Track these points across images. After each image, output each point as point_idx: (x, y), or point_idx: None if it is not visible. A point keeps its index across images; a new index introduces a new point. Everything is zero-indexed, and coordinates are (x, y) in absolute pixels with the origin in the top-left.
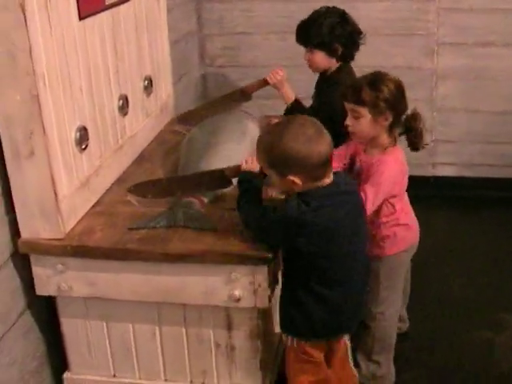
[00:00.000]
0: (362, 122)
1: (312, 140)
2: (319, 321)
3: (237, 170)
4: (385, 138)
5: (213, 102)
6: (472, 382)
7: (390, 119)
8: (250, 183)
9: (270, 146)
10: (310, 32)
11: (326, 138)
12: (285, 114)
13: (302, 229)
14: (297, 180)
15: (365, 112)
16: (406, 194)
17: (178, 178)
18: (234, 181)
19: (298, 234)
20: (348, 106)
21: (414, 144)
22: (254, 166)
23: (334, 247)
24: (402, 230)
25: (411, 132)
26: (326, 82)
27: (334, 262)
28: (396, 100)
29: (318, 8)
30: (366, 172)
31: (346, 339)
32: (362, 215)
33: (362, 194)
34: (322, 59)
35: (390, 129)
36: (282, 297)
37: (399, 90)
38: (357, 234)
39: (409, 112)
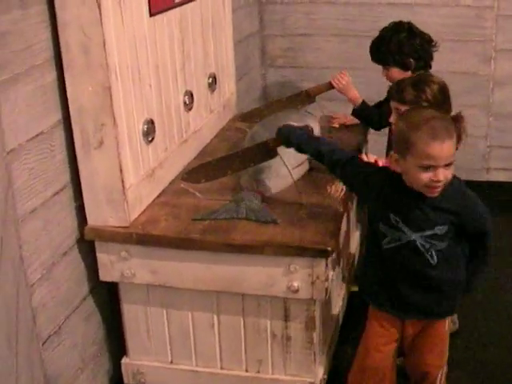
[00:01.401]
0: None
1: None
2: None
3: (278, 140)
4: None
5: (276, 101)
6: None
7: None
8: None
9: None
10: (380, 51)
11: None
12: (352, 113)
13: None
14: None
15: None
16: None
17: (225, 157)
18: (280, 151)
19: None
20: (392, 103)
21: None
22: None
23: None
24: None
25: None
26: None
27: None
28: (438, 101)
29: (387, 25)
30: None
31: None
32: None
33: None
34: (397, 74)
35: None
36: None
37: (442, 91)
38: None
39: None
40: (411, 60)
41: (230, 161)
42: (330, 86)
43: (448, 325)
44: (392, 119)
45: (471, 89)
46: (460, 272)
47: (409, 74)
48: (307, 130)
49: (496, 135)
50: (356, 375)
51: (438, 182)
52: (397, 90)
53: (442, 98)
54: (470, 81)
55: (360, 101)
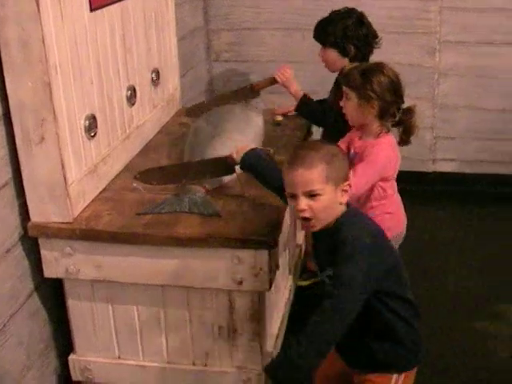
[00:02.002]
0: (350, 104)
1: None
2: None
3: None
4: (376, 127)
5: (221, 96)
6: (469, 371)
7: (377, 108)
8: None
9: (330, 154)
10: (325, 30)
11: None
12: (295, 110)
13: None
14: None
15: (352, 96)
16: (395, 183)
17: (183, 164)
18: (237, 168)
19: None
20: (343, 87)
21: (402, 138)
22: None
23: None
24: (388, 219)
25: (402, 125)
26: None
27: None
28: (385, 92)
29: (338, 8)
30: (360, 155)
31: None
32: None
33: (352, 171)
34: (334, 58)
35: (381, 118)
36: (363, 341)
37: (392, 83)
38: None
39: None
40: (351, 47)
41: (187, 170)
42: (274, 81)
43: None
44: (341, 102)
45: (416, 80)
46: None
47: (345, 60)
48: (271, 159)
49: (441, 126)
50: None
51: (301, 211)
52: (345, 74)
53: (391, 89)
54: (415, 72)
55: (301, 95)
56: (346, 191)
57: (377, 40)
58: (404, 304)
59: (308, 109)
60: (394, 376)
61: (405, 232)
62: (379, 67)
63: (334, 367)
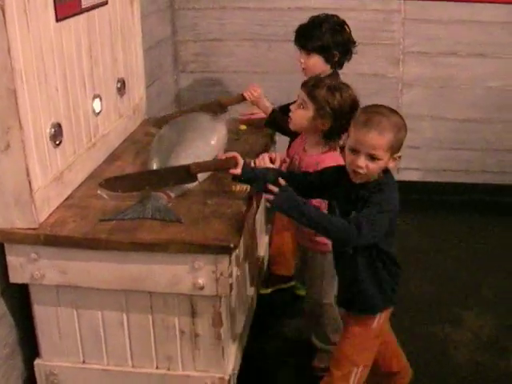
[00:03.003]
0: (304, 113)
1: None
2: (391, 287)
3: (201, 167)
4: (321, 142)
5: (190, 109)
6: (429, 376)
7: (327, 127)
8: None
9: (398, 128)
10: (311, 35)
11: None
12: (265, 125)
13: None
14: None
15: (310, 107)
16: None
17: (147, 172)
18: (199, 176)
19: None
20: (300, 93)
21: None
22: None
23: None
24: None
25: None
26: None
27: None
28: (342, 113)
29: (318, 14)
30: (305, 169)
31: None
32: None
33: None
34: (317, 64)
35: (329, 136)
36: (360, 281)
37: (351, 107)
38: None
39: None
40: (336, 53)
41: (150, 177)
42: (243, 98)
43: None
44: (292, 107)
45: (380, 91)
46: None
47: (327, 67)
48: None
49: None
50: None
51: (359, 167)
52: (313, 84)
53: (347, 113)
54: (379, 83)
55: (269, 110)
56: (395, 160)
57: (355, 46)
58: (391, 259)
59: (278, 122)
60: (377, 316)
61: None
62: (344, 87)
63: None
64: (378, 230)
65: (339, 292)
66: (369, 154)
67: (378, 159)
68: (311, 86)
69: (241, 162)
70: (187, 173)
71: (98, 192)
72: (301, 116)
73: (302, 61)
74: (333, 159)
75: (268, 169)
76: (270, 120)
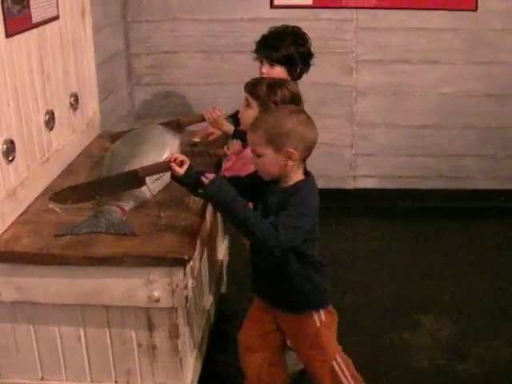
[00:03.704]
0: (250, 112)
1: (309, 123)
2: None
3: (148, 170)
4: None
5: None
6: (388, 379)
7: None
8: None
9: (272, 123)
10: (277, 46)
11: (315, 127)
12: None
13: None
14: (295, 153)
15: (254, 105)
16: None
17: (95, 181)
18: (147, 180)
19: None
20: (245, 94)
21: None
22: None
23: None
24: None
25: None
26: None
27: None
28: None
29: (279, 25)
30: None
31: None
32: None
33: None
34: (280, 75)
35: None
36: (290, 281)
37: (293, 99)
38: None
39: None
40: (299, 64)
41: (99, 186)
42: (202, 119)
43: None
44: (240, 107)
45: (335, 99)
46: (311, 276)
47: (288, 79)
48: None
49: (361, 143)
50: None
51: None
52: (253, 84)
53: (290, 104)
54: (333, 91)
55: (232, 129)
56: (288, 154)
57: (314, 58)
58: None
59: (242, 139)
60: (315, 313)
61: None
62: (284, 83)
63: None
64: (295, 233)
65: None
66: (253, 151)
67: (261, 155)
68: (252, 85)
69: (187, 163)
70: (135, 177)
71: (50, 205)
72: (248, 115)
73: (265, 71)
74: None
75: None
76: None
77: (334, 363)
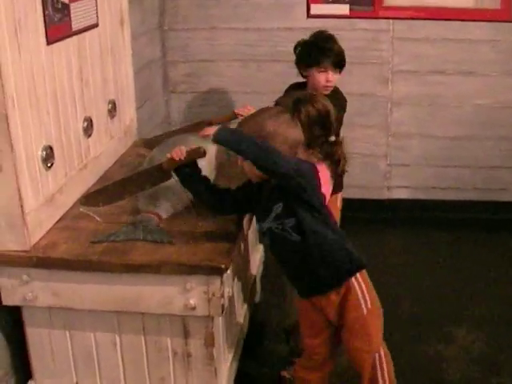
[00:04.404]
0: None
1: (291, 123)
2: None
3: (172, 162)
4: (301, 154)
5: (179, 129)
6: None
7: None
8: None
9: (255, 127)
10: (342, 52)
11: (300, 127)
12: None
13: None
14: None
15: None
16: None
17: (122, 180)
18: (173, 175)
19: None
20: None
21: (332, 170)
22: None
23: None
24: None
25: (330, 158)
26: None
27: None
28: (311, 124)
29: (321, 30)
30: None
31: None
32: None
33: None
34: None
35: (307, 148)
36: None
37: (320, 116)
38: None
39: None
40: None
41: (126, 185)
42: (234, 115)
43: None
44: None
45: (370, 109)
46: (328, 237)
47: None
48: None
49: (395, 154)
50: None
51: None
52: (283, 100)
53: (318, 122)
54: (368, 102)
55: None
56: None
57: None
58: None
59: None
60: (351, 280)
61: None
62: (312, 99)
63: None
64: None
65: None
66: None
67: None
68: (282, 101)
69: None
70: (161, 171)
71: (81, 209)
72: None
73: (333, 78)
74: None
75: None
76: None
77: (376, 356)
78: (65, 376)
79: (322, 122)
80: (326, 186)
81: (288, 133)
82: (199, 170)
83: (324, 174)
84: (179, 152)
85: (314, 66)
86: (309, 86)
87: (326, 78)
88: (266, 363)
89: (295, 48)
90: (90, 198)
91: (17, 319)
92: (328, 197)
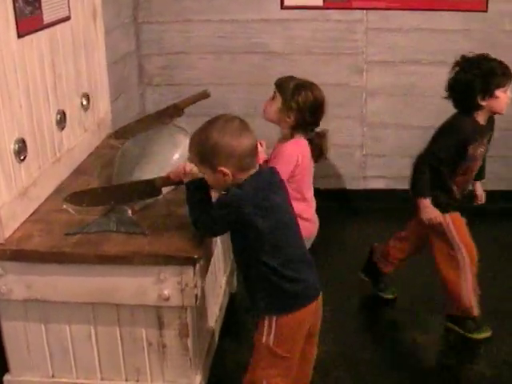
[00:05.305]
0: (273, 104)
1: (237, 133)
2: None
3: (165, 180)
4: (287, 134)
5: (146, 117)
6: (397, 380)
7: (293, 120)
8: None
9: (200, 142)
10: None
11: (250, 131)
12: None
13: (244, 208)
14: (226, 170)
15: (279, 100)
16: (312, 188)
17: (112, 187)
18: (163, 190)
19: (242, 214)
20: (275, 88)
21: (314, 157)
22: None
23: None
24: (302, 222)
25: (314, 146)
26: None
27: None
28: (305, 109)
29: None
30: (273, 155)
31: None
32: (286, 193)
33: None
34: None
35: (295, 129)
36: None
37: (315, 104)
38: (287, 208)
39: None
40: None
41: (116, 192)
42: (200, 97)
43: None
44: (268, 100)
45: (345, 100)
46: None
47: None
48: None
49: (371, 144)
50: None
51: None
52: (284, 79)
53: (311, 109)
54: (343, 92)
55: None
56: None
57: None
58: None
59: None
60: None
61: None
62: (312, 86)
63: None
64: (211, 223)
65: None
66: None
67: (203, 173)
68: (282, 80)
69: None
70: (152, 187)
71: (64, 206)
72: (272, 108)
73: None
74: (292, 142)
75: None
76: None
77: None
78: (41, 369)
79: (315, 109)
80: (306, 160)
81: (234, 143)
82: (210, 197)
83: (304, 148)
84: (179, 173)
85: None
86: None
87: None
88: (243, 352)
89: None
90: (76, 197)
91: None
92: (306, 166)
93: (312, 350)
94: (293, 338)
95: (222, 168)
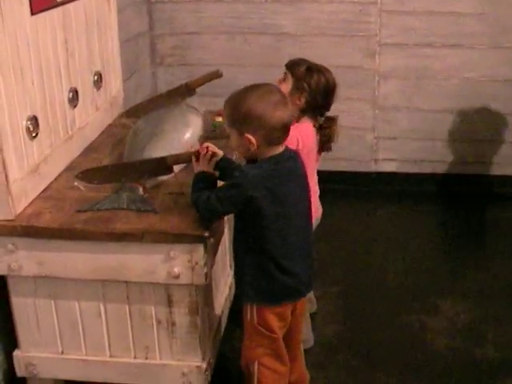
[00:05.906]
0: (284, 86)
1: (273, 105)
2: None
3: (177, 159)
4: (295, 116)
5: (158, 96)
6: (407, 363)
7: (303, 102)
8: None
9: (234, 104)
10: None
11: (288, 108)
12: None
13: (255, 191)
14: (253, 139)
15: (290, 81)
16: (315, 178)
17: (123, 164)
18: (175, 168)
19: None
20: (286, 70)
21: (322, 143)
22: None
23: (282, 208)
24: None
25: (322, 131)
26: None
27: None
28: (317, 92)
29: None
30: None
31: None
32: (305, 182)
33: None
34: None
35: (305, 112)
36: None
37: (327, 87)
38: (302, 198)
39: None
40: None
41: (127, 169)
42: (214, 76)
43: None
44: (277, 80)
45: (357, 83)
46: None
47: None
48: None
49: (382, 127)
50: None
51: None
52: (296, 61)
53: (323, 92)
54: (355, 75)
55: None
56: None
57: None
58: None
59: None
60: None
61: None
62: (324, 70)
63: None
64: (216, 203)
65: None
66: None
67: (229, 134)
68: (294, 61)
69: (217, 155)
70: (164, 165)
71: (75, 183)
72: (283, 88)
73: None
74: (295, 127)
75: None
76: None
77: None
78: (50, 345)
79: (326, 92)
80: (308, 146)
81: (267, 115)
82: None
83: (307, 133)
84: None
85: None
86: None
87: None
88: None
89: None
90: (87, 174)
91: (2, 288)
92: (310, 151)
93: (298, 328)
94: (275, 324)
95: (249, 136)
